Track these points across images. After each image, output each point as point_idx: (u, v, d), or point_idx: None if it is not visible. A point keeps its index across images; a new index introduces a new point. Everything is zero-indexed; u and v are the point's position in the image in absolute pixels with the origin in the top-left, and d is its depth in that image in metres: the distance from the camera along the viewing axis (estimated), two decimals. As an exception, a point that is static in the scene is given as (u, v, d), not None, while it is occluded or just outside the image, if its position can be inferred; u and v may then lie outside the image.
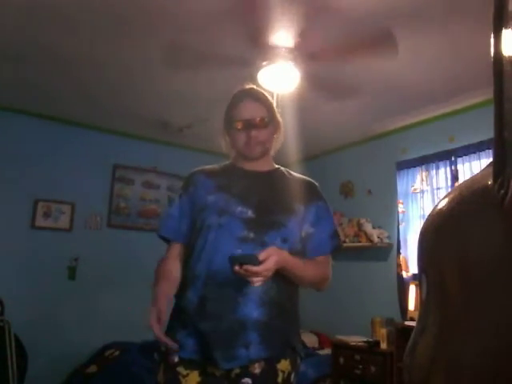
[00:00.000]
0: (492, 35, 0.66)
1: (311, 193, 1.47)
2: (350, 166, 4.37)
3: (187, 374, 1.29)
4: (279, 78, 2.63)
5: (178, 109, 3.70)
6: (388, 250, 3.78)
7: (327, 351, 3.70)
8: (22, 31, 2.58)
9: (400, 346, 2.96)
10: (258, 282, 1.18)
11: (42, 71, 3.10)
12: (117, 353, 3.46)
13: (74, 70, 3.08)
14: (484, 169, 0.78)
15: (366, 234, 3.82)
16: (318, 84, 2.93)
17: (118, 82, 3.24)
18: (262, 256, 1.17)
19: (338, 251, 1.46)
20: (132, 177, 4.28)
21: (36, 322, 3.52)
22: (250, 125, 1.41)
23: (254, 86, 1.52)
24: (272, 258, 1.19)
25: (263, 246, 1.27)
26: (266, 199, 1.40)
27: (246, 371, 1.26)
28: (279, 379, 1.28)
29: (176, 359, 1.30)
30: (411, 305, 3.29)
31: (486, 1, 0.74)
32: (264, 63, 2.62)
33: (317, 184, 1.52)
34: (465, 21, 2.32)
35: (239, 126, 1.42)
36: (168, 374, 1.31)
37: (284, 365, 1.30)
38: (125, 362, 3.34)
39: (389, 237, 3.79)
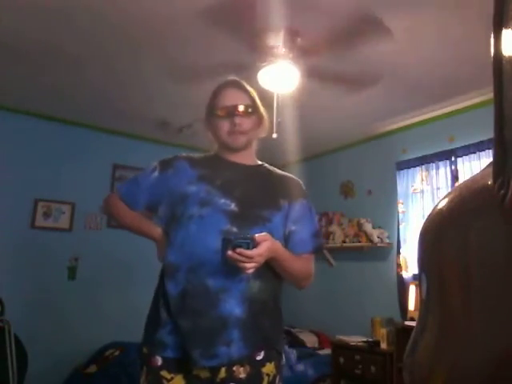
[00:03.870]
0: (492, 35, 0.65)
1: (295, 190, 1.45)
2: (349, 166, 4.37)
3: (171, 378, 1.24)
4: (278, 79, 2.63)
5: (178, 109, 3.70)
6: (388, 250, 3.78)
7: (327, 351, 3.70)
8: (23, 30, 2.58)
9: (400, 346, 2.96)
10: (250, 268, 1.15)
11: (42, 71, 3.10)
12: (117, 353, 3.46)
13: (75, 71, 3.08)
14: (484, 169, 0.78)
15: (366, 233, 3.82)
16: (318, 84, 2.93)
17: (119, 82, 3.24)
18: (258, 237, 1.15)
19: (320, 251, 1.44)
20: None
21: (36, 322, 3.53)
22: (233, 112, 1.38)
23: (237, 78, 1.48)
24: (266, 242, 1.17)
25: None
26: (251, 193, 1.37)
27: (230, 376, 1.22)
28: (264, 383, 1.25)
29: (159, 362, 1.25)
30: (411, 305, 3.29)
31: (486, 0, 0.74)
32: (263, 64, 2.62)
33: (301, 182, 1.50)
34: (465, 21, 2.32)
35: (222, 113, 1.39)
36: (151, 378, 1.26)
37: (269, 368, 1.27)
38: (125, 362, 3.34)
39: (389, 237, 3.79)
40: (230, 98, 1.40)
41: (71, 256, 3.86)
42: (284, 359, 1.37)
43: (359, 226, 3.90)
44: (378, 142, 4.09)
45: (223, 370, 1.23)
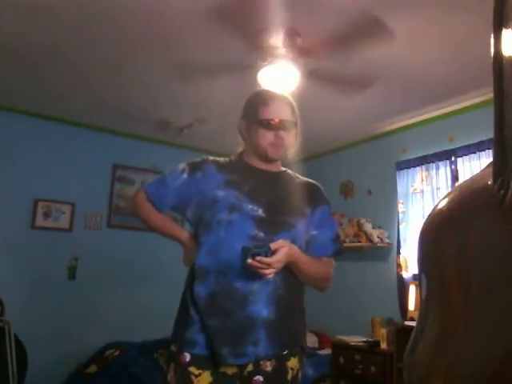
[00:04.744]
0: (492, 35, 0.65)
1: (317, 196, 1.51)
2: (350, 166, 4.37)
3: (199, 374, 1.29)
4: (279, 79, 2.63)
5: (178, 109, 3.70)
6: (388, 250, 3.78)
7: (327, 351, 3.70)
8: (23, 30, 2.58)
9: (400, 346, 2.96)
10: (269, 273, 1.21)
11: (42, 71, 3.11)
12: (117, 353, 3.46)
13: (75, 71, 3.08)
14: (484, 169, 0.78)
15: (366, 234, 3.82)
16: (318, 84, 2.93)
17: (119, 82, 3.24)
18: (273, 246, 1.21)
19: (339, 255, 1.49)
20: (132, 177, 4.29)
21: (36, 322, 3.52)
22: (280, 125, 1.43)
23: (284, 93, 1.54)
24: (283, 249, 1.23)
25: None
26: (276, 199, 1.42)
27: (257, 369, 1.29)
28: (289, 376, 1.32)
29: (188, 358, 1.31)
30: (411, 305, 3.29)
31: (487, 1, 0.74)
32: (263, 64, 2.62)
33: (322, 187, 1.55)
34: (465, 21, 2.33)
35: (269, 124, 1.42)
36: (179, 374, 1.31)
37: (293, 362, 1.34)
38: (125, 362, 3.34)
39: (389, 237, 3.79)
40: (279, 111, 1.44)
41: (71, 256, 3.86)
42: (306, 354, 1.45)
43: (359, 226, 3.90)
44: (377, 142, 4.09)
45: (250, 365, 1.30)
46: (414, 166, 3.63)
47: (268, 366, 1.30)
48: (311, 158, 4.73)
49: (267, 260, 1.18)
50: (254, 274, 1.24)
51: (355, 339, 3.43)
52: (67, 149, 3.98)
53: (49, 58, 2.89)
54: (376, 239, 3.75)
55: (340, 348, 3.46)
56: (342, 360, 3.40)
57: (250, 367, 1.30)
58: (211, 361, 1.30)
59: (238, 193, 1.39)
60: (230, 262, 1.29)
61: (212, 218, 1.37)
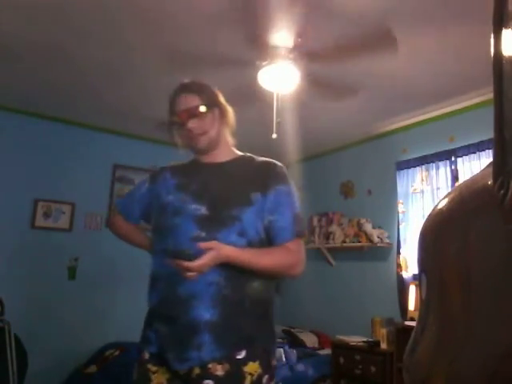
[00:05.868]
0: (492, 35, 0.66)
1: (270, 177, 1.38)
2: (350, 166, 4.37)
3: (156, 371, 1.31)
4: (279, 78, 2.64)
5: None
6: (388, 250, 3.78)
7: (327, 351, 3.70)
8: (23, 30, 2.58)
9: (400, 346, 2.96)
10: (191, 276, 1.19)
11: (42, 71, 3.10)
12: (117, 353, 3.46)
13: (75, 71, 3.08)
14: (484, 169, 0.78)
15: (366, 233, 3.82)
16: (318, 84, 2.93)
17: (119, 82, 3.24)
18: (202, 245, 1.19)
19: (301, 237, 1.38)
20: (132, 177, 4.28)
21: (36, 322, 3.53)
22: (186, 117, 1.38)
23: (192, 80, 1.47)
24: (210, 253, 1.19)
25: None
26: (219, 193, 1.35)
27: (205, 372, 1.22)
28: (246, 382, 1.23)
29: (146, 355, 1.34)
30: (411, 305, 3.29)
31: (486, 1, 0.74)
32: (264, 63, 2.62)
33: (279, 164, 1.43)
34: (465, 21, 2.33)
35: (176, 120, 1.40)
36: (140, 371, 1.35)
37: (252, 367, 1.24)
38: (125, 362, 3.34)
39: (389, 237, 3.79)
40: (180, 104, 1.39)
41: (71, 256, 3.86)
42: (276, 358, 1.36)
43: (359, 225, 3.90)
44: (378, 142, 4.09)
45: (197, 368, 1.24)
46: (414, 166, 3.63)
47: (219, 370, 1.22)
48: (311, 158, 4.73)
49: (187, 264, 1.16)
50: (194, 278, 1.21)
51: (355, 339, 3.43)
52: (67, 149, 3.97)
53: (49, 58, 2.89)
54: (376, 239, 3.75)
55: (340, 348, 3.46)
56: (342, 360, 3.40)
57: (196, 370, 1.23)
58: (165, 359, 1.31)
59: (183, 195, 1.37)
60: (173, 267, 1.22)
61: (161, 224, 1.38)
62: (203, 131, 1.39)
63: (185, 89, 1.43)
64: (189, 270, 1.17)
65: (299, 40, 2.52)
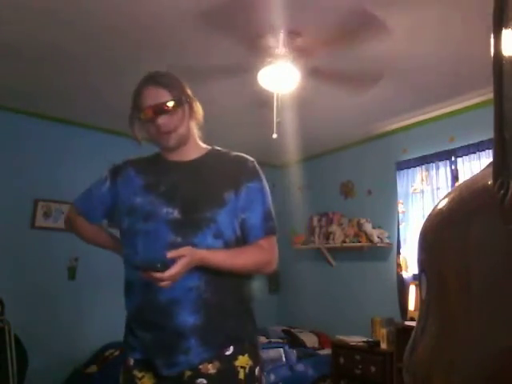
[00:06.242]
0: (492, 35, 0.65)
1: (241, 174, 1.34)
2: (350, 165, 4.37)
3: (142, 377, 1.28)
4: (279, 79, 2.63)
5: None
6: (388, 250, 3.79)
7: (327, 351, 3.70)
8: (24, 30, 2.58)
9: (400, 345, 2.96)
10: (165, 285, 1.14)
11: (42, 71, 3.11)
12: (117, 353, 3.46)
13: (76, 71, 3.08)
14: (484, 169, 0.78)
15: (366, 233, 3.82)
16: (318, 84, 2.93)
17: (119, 82, 3.24)
18: (171, 254, 1.13)
19: (273, 233, 1.36)
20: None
21: (36, 322, 3.52)
22: (154, 112, 1.30)
23: (159, 71, 1.40)
24: (182, 260, 1.14)
25: None
26: (192, 195, 1.29)
27: (197, 373, 1.22)
28: (241, 375, 1.23)
29: (131, 361, 1.30)
30: (411, 305, 3.30)
31: (486, 0, 0.74)
32: (263, 64, 2.62)
33: (250, 159, 1.39)
34: (465, 20, 2.33)
35: (144, 116, 1.32)
36: (125, 377, 1.31)
37: (243, 360, 1.25)
38: (125, 362, 3.34)
39: (389, 237, 3.79)
40: (149, 98, 1.32)
41: (71, 256, 3.86)
42: (261, 350, 1.36)
43: (359, 225, 3.90)
44: (378, 142, 4.09)
45: (187, 371, 1.23)
46: (414, 166, 3.63)
47: (210, 369, 1.21)
48: (311, 158, 4.73)
49: (158, 276, 1.10)
50: (174, 284, 1.16)
51: (355, 339, 3.43)
52: (67, 149, 3.97)
53: (49, 58, 2.89)
54: (376, 239, 3.75)
55: (340, 348, 3.46)
56: (342, 360, 3.40)
57: (188, 373, 1.22)
58: (151, 364, 1.27)
59: (153, 197, 1.29)
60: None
61: (129, 228, 1.30)
62: (173, 128, 1.31)
63: (152, 81, 1.35)
64: (161, 280, 1.12)
65: (296, 39, 2.52)
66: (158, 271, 1.10)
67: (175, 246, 1.19)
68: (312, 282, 4.41)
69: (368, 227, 3.83)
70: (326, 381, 3.44)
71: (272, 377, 3.19)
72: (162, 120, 1.30)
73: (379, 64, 2.80)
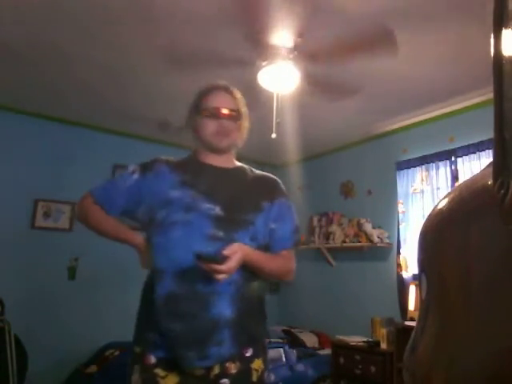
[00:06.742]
0: (492, 35, 0.66)
1: (275, 190, 1.50)
2: (350, 166, 4.37)
3: (166, 376, 1.28)
4: (279, 78, 2.63)
5: (178, 109, 3.69)
6: (388, 250, 3.78)
7: (327, 351, 3.70)
8: (23, 30, 2.58)
9: (400, 345, 2.96)
10: (221, 278, 1.21)
11: (42, 71, 3.11)
12: (117, 353, 3.46)
13: (75, 71, 3.08)
14: (484, 169, 0.78)
15: (366, 233, 3.82)
16: (318, 84, 2.93)
17: (119, 82, 3.24)
18: (226, 252, 1.21)
19: (298, 246, 1.52)
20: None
21: (36, 322, 3.52)
22: (221, 113, 1.42)
23: (226, 83, 1.52)
24: (236, 255, 1.23)
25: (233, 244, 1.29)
26: (233, 196, 1.39)
27: (223, 372, 1.28)
28: (254, 378, 1.33)
29: (153, 360, 1.29)
30: (411, 305, 3.29)
31: (486, 1, 0.74)
32: (264, 63, 2.62)
33: (279, 181, 1.55)
34: (465, 21, 2.33)
35: (209, 113, 1.42)
36: (145, 376, 1.29)
37: (257, 363, 1.35)
38: (125, 361, 3.32)
39: (389, 237, 3.79)
40: (219, 100, 1.44)
41: (71, 256, 3.86)
42: (268, 354, 1.45)
43: (359, 225, 3.90)
44: (378, 142, 4.09)
45: (217, 366, 1.28)
46: (414, 166, 3.63)
47: (233, 369, 1.29)
48: (311, 158, 4.73)
49: (218, 268, 1.19)
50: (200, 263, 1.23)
51: (355, 339, 3.43)
52: (67, 149, 3.97)
53: (49, 58, 2.89)
54: (376, 239, 3.75)
55: (340, 348, 3.46)
56: (342, 360, 3.40)
57: (216, 370, 1.28)
58: (176, 363, 1.28)
59: (193, 192, 1.36)
60: (188, 262, 1.23)
61: (165, 218, 1.34)
62: (230, 133, 1.44)
63: (224, 88, 1.48)
64: (220, 272, 1.20)
65: (299, 40, 2.52)
66: (214, 262, 1.18)
67: (216, 239, 1.30)
68: (312, 282, 4.40)
69: (368, 227, 3.83)
70: (326, 381, 3.44)
71: (272, 377, 3.19)
72: (225, 122, 1.43)
73: (379, 65, 2.80)
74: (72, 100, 3.59)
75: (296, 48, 2.58)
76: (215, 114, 1.42)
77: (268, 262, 1.39)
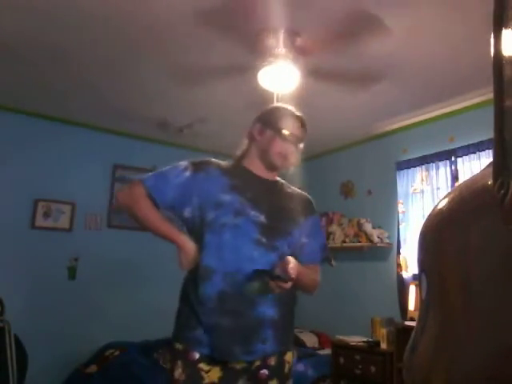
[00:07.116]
0: (492, 35, 0.66)
1: (308, 207, 1.63)
2: (350, 165, 4.37)
3: (209, 370, 1.37)
4: (279, 79, 2.63)
5: (178, 109, 3.70)
6: (388, 250, 3.78)
7: (327, 351, 3.70)
8: (24, 30, 2.58)
9: (400, 345, 2.96)
10: (281, 291, 1.35)
11: (43, 71, 3.11)
12: (117, 353, 3.46)
13: (75, 71, 3.08)
14: (484, 169, 0.78)
15: (366, 233, 3.82)
16: (318, 84, 2.93)
17: (119, 82, 3.24)
18: (292, 272, 1.32)
19: (326, 262, 1.64)
20: (132, 177, 4.27)
21: (36, 322, 3.52)
22: (294, 140, 1.53)
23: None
24: (295, 270, 1.35)
25: (274, 251, 1.42)
26: (276, 207, 1.51)
27: (264, 363, 1.42)
28: (286, 369, 1.48)
29: (197, 356, 1.37)
30: (411, 305, 3.29)
31: (486, 1, 0.74)
32: (263, 64, 2.62)
33: (312, 200, 1.68)
34: (465, 20, 2.33)
35: (287, 136, 1.51)
36: (189, 371, 1.36)
37: (289, 356, 1.50)
38: (125, 361, 3.34)
39: (389, 237, 3.79)
40: (298, 129, 1.54)
41: (71, 256, 3.86)
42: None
43: (359, 226, 3.90)
44: (378, 142, 4.09)
45: (257, 361, 1.41)
46: (414, 166, 3.63)
47: (272, 361, 1.43)
48: (311, 158, 4.73)
49: (284, 286, 1.31)
50: (261, 278, 1.34)
51: (355, 339, 3.43)
52: (67, 149, 3.97)
53: (49, 58, 2.89)
54: (376, 239, 3.75)
55: (340, 348, 3.46)
56: (342, 360, 3.40)
57: (257, 362, 1.41)
58: (219, 358, 1.37)
59: (242, 198, 1.45)
60: (237, 263, 1.37)
61: (216, 220, 1.41)
62: (291, 158, 1.55)
63: (301, 120, 1.58)
64: (284, 289, 1.33)
65: (297, 40, 2.52)
66: (283, 280, 1.31)
67: (260, 244, 1.41)
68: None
69: (368, 227, 3.83)
70: (326, 381, 3.43)
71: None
72: (293, 148, 1.54)
73: (379, 64, 2.80)
74: (72, 100, 3.59)
75: (294, 48, 2.58)
76: (290, 140, 1.52)
77: (306, 275, 1.49)
